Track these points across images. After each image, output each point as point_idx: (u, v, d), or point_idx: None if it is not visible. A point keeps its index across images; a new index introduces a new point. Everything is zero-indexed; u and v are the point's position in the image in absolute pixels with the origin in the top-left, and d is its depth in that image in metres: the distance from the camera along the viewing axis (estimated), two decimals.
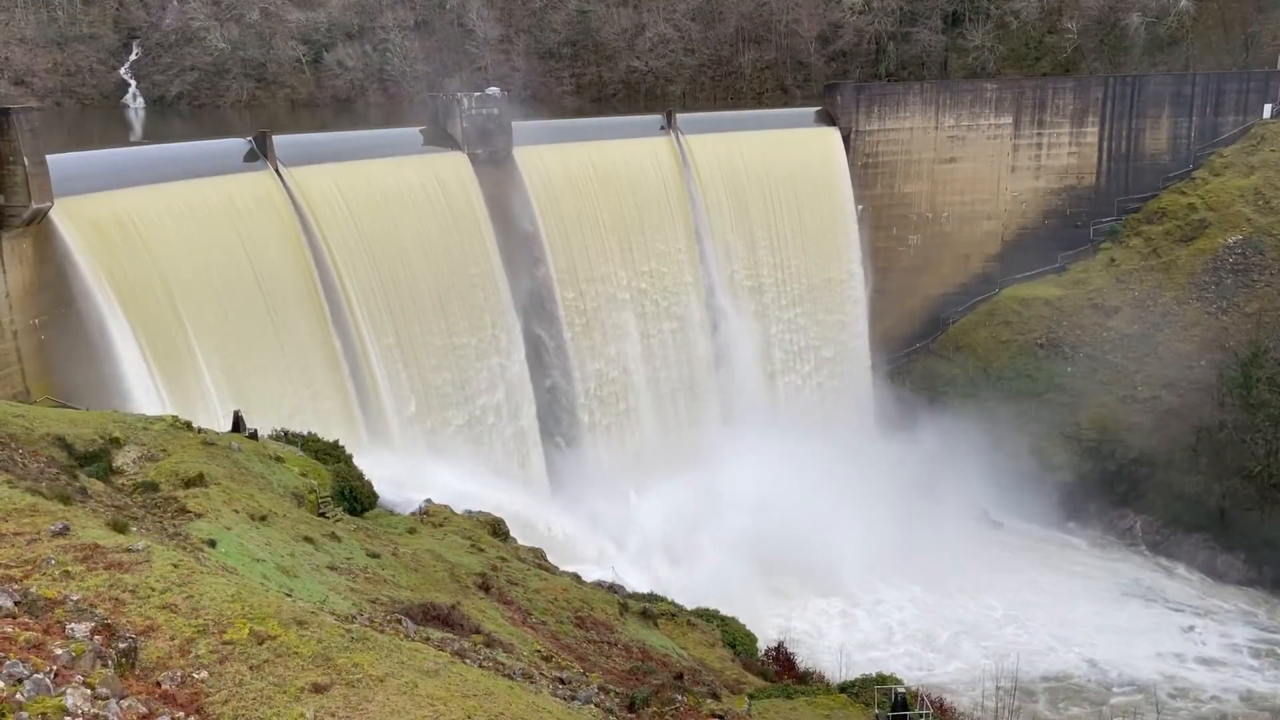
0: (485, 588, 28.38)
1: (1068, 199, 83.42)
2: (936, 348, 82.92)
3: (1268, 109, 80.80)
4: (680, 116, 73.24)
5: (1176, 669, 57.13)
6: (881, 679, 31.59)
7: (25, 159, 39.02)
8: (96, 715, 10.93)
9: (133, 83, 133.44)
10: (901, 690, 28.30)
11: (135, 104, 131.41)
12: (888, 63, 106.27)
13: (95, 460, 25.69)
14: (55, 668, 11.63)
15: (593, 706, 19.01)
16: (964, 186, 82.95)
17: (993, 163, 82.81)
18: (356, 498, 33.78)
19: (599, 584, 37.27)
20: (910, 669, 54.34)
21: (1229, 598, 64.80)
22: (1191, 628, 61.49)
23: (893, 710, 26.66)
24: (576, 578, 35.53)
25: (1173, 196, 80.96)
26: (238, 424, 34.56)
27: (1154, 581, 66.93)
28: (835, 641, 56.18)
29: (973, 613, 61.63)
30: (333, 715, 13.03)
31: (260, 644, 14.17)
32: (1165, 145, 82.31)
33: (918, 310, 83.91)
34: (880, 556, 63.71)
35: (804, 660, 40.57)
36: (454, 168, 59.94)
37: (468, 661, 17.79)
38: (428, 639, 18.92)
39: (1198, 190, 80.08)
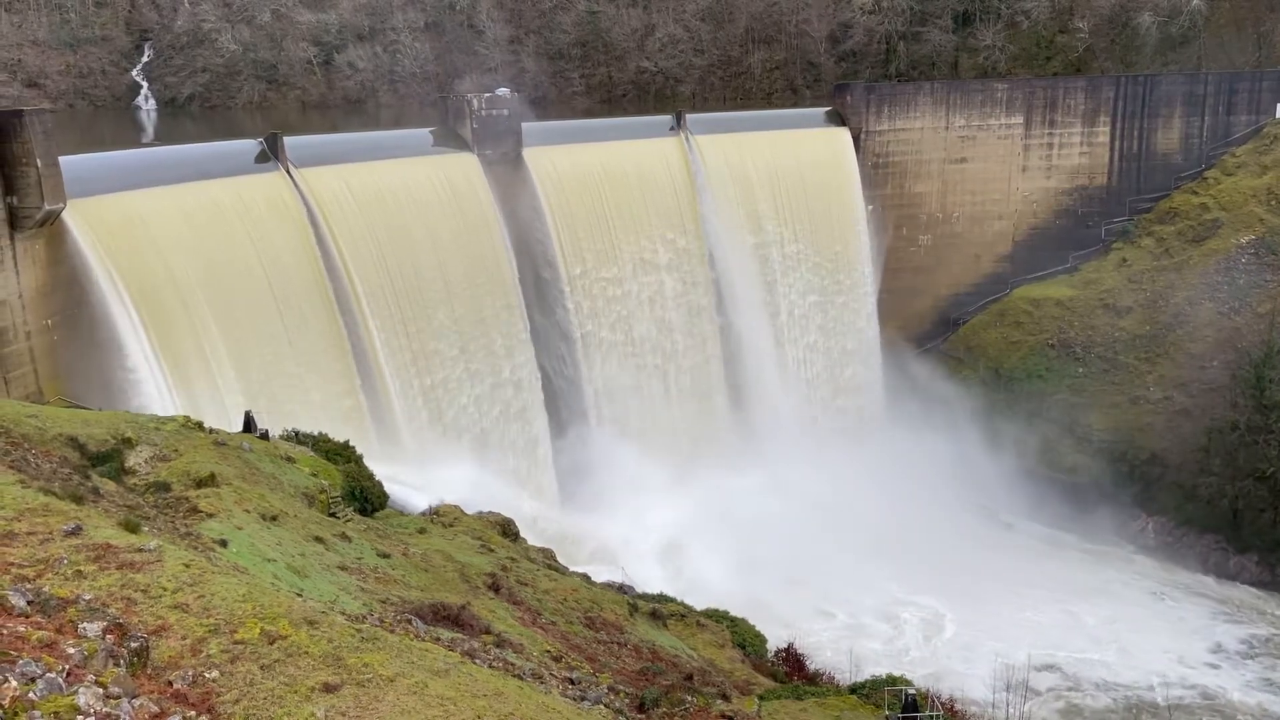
0: (495, 588, 28.40)
1: (1079, 199, 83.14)
2: (947, 348, 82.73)
3: None
4: (690, 117, 73.21)
5: (1191, 673, 56.85)
6: (892, 680, 31.50)
7: (38, 160, 39.27)
8: (109, 714, 10.98)
9: (144, 84, 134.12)
10: (912, 691, 28.20)
11: (147, 105, 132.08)
12: (898, 63, 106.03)
13: (107, 460, 25.79)
14: (68, 667, 11.69)
15: (602, 707, 19.01)
16: (975, 186, 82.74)
17: (1003, 163, 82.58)
18: (367, 498, 33.86)
19: (608, 584, 37.25)
20: (921, 670, 54.14)
21: (1243, 599, 64.45)
22: (1204, 629, 61.24)
23: (903, 711, 26.55)
24: (586, 578, 35.53)
25: (1185, 196, 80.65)
26: (249, 424, 34.67)
27: (1166, 583, 66.63)
28: (846, 642, 56.06)
29: (983, 613, 61.36)
30: (343, 715, 13.06)
31: (271, 644, 14.21)
32: (1177, 145, 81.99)
33: (928, 310, 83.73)
34: (889, 556, 63.54)
35: (814, 661, 40.45)
36: (464, 169, 60.07)
37: (478, 662, 17.81)
38: (438, 639, 18.94)
39: (1210, 190, 79.75)
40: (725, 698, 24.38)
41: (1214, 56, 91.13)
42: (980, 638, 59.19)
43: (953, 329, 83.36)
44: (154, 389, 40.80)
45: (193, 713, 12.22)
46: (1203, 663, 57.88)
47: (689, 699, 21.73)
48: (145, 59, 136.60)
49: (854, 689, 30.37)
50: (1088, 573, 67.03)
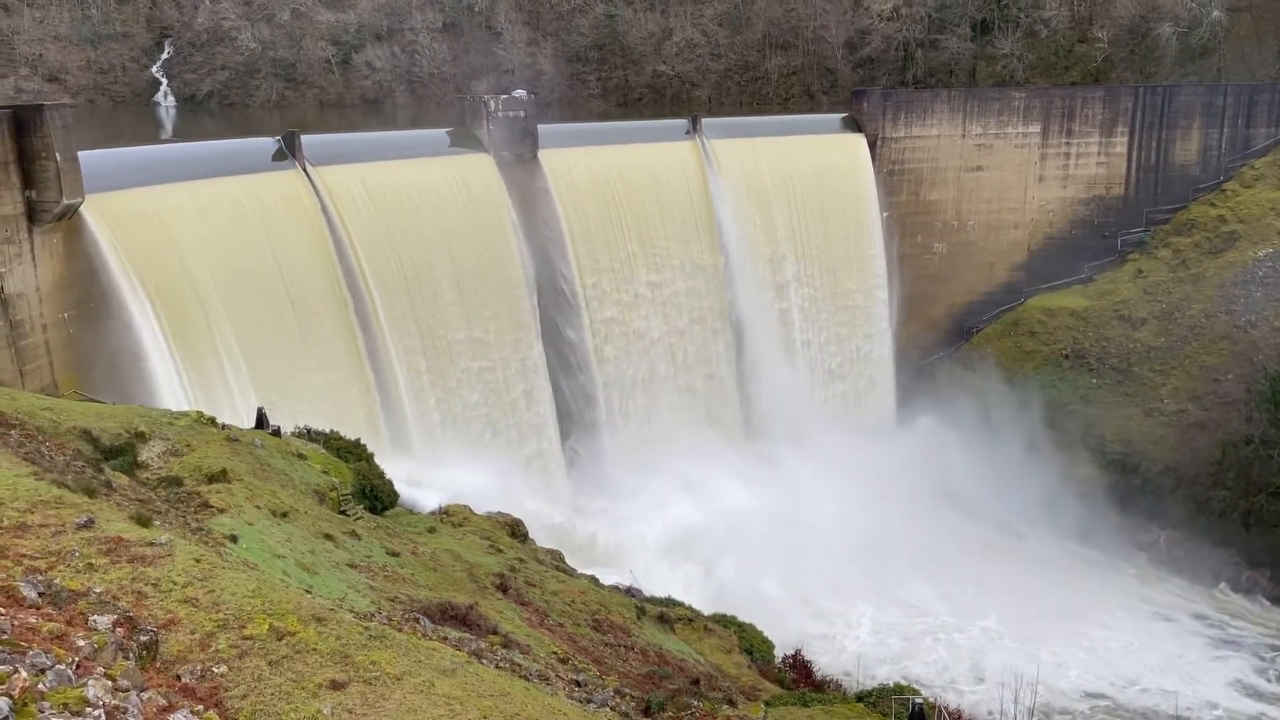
0: (503, 588, 28.45)
1: (1096, 209, 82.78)
2: (960, 356, 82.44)
3: None
4: (706, 121, 73.18)
5: (1199, 688, 56.39)
6: (899, 689, 31.42)
7: (57, 155, 39.51)
8: (117, 707, 11.03)
9: (164, 81, 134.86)
10: (919, 701, 28.12)
11: (166, 102, 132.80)
12: (915, 70, 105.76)
13: (121, 454, 25.94)
14: (77, 659, 11.75)
15: (608, 710, 19.00)
16: (990, 195, 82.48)
17: (1020, 171, 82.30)
18: (377, 496, 33.95)
19: (616, 587, 37.28)
20: (929, 680, 53.99)
21: (1257, 615, 63.90)
22: (1219, 646, 60.80)
23: None
24: (594, 580, 35.58)
25: (1202, 208, 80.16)
26: (261, 421, 34.82)
27: (1179, 597, 66.19)
28: (853, 650, 55.95)
29: (995, 623, 61.10)
30: (350, 712, 13.10)
31: (279, 640, 14.26)
32: (1195, 156, 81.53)
33: (942, 318, 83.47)
34: (901, 564, 63.36)
35: (822, 668, 40.39)
36: (480, 169, 60.21)
37: (484, 662, 17.83)
38: (445, 638, 18.98)
39: (1228, 202, 79.28)
40: (731, 703, 24.33)
41: (1234, 68, 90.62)
42: (987, 646, 58.92)
43: (966, 337, 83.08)
44: (168, 384, 41.00)
45: (200, 707, 12.27)
46: (1213, 679, 57.01)
47: (695, 704, 21.71)
48: (165, 56, 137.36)
49: (860, 697, 30.27)
50: (1098, 584, 66.58)
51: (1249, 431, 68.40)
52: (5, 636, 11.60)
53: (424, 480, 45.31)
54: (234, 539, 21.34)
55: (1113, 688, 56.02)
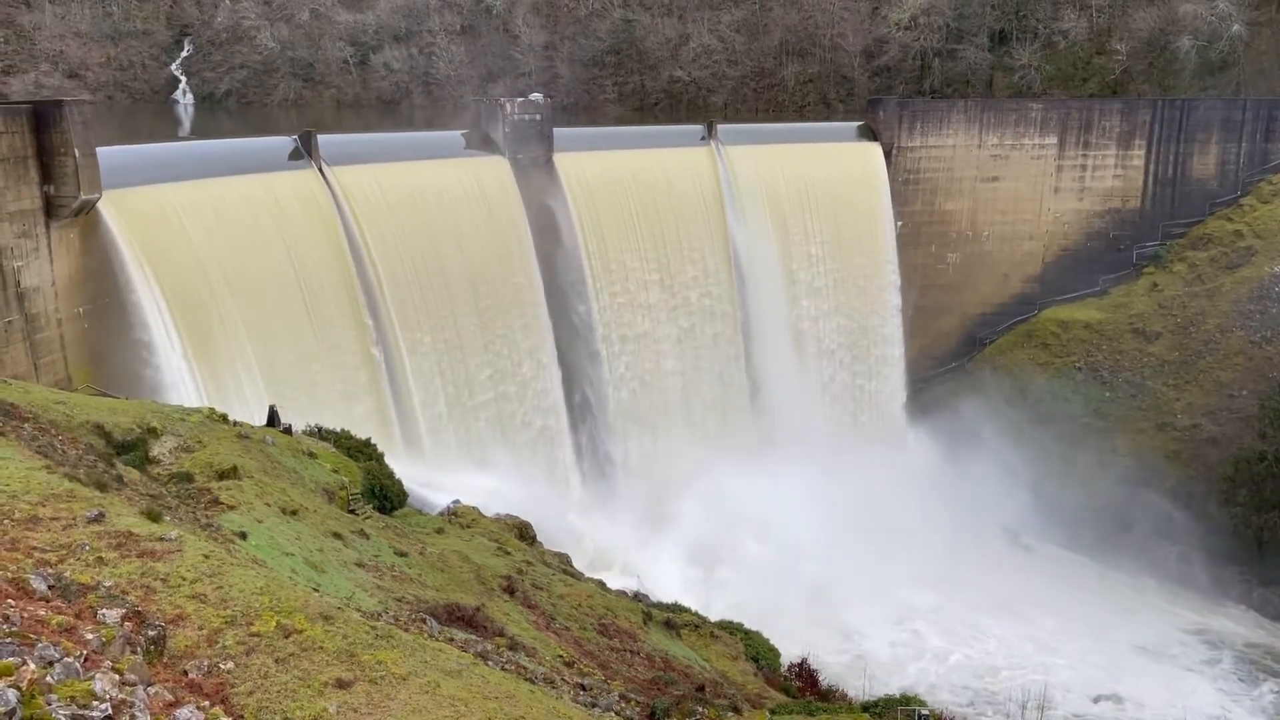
0: (510, 591, 28.44)
1: (1111, 221, 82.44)
2: (972, 367, 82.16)
3: None
4: (721, 127, 73.19)
5: (1205, 706, 55.98)
6: (905, 699, 31.30)
7: (76, 150, 39.76)
8: (124, 701, 11.05)
9: (183, 79, 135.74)
10: (925, 712, 28.02)
11: (185, 100, 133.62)
12: (932, 79, 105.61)
13: (132, 449, 26.02)
14: (85, 652, 11.78)
15: (613, 714, 18.98)
16: (1006, 206, 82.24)
17: (1036, 183, 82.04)
18: (386, 496, 34.00)
19: (623, 592, 37.26)
20: (934, 690, 53.73)
21: (1268, 635, 63.44)
22: (1221, 662, 60.37)
23: None
24: (601, 585, 35.54)
25: (1219, 223, 79.76)
26: (272, 418, 34.93)
27: (1189, 614, 65.73)
28: (860, 659, 55.70)
29: (1000, 635, 60.83)
30: (355, 711, 13.11)
31: (286, 637, 14.29)
32: (1213, 170, 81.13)
33: (955, 329, 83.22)
34: (908, 574, 63.08)
35: (827, 677, 40.22)
36: (495, 172, 60.34)
37: (490, 664, 17.84)
38: (451, 639, 18.99)
39: (1245, 217, 78.87)
40: (736, 710, 24.28)
41: (1253, 82, 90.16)
42: (992, 659, 58.62)
43: (979, 348, 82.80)
44: (180, 380, 41.20)
45: (206, 703, 12.30)
46: (1220, 699, 56.47)
47: (700, 710, 21.67)
48: (185, 54, 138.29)
49: (866, 707, 30.15)
50: (1106, 599, 66.10)
51: (1262, 448, 67.95)
52: (14, 628, 11.65)
53: (433, 480, 45.37)
54: (243, 536, 21.39)
55: None
